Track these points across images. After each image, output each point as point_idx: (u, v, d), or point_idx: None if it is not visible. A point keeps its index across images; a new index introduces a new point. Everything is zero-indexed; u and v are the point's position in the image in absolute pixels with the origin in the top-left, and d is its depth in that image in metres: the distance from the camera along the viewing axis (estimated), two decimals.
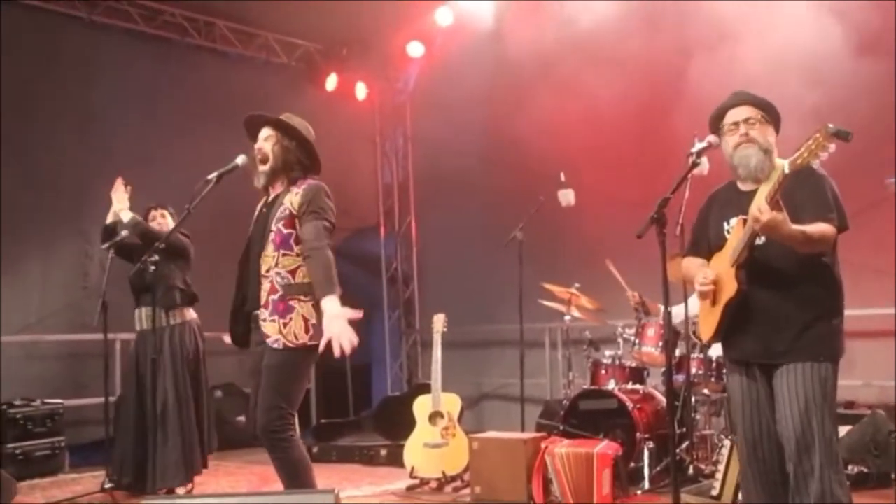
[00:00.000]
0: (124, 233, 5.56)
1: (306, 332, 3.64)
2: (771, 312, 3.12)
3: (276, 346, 3.62)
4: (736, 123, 3.23)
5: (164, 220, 5.75)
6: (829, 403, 3.07)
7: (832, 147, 2.72)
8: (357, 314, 3.49)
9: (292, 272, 3.68)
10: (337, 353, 3.40)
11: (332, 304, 3.48)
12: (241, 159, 4.07)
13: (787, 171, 2.83)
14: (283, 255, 3.69)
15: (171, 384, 5.45)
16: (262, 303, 3.67)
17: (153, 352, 5.28)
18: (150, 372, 5.35)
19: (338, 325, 3.41)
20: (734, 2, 6.64)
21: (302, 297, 3.66)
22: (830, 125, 2.71)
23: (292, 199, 3.74)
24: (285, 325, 3.63)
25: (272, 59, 9.51)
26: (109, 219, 5.69)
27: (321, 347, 3.49)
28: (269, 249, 3.70)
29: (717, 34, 6.63)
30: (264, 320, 3.64)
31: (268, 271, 3.69)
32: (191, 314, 5.71)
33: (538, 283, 6.30)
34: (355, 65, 9.69)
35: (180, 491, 5.41)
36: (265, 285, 3.68)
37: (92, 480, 6.03)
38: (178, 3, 8.58)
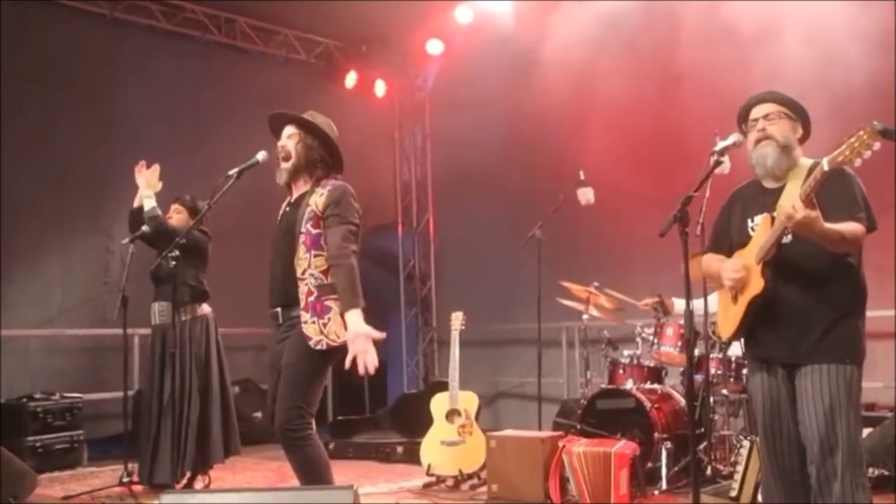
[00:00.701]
0: (144, 228, 5.59)
1: (346, 328, 3.65)
2: (796, 311, 3.09)
3: (319, 347, 3.61)
4: (756, 120, 3.22)
5: (178, 216, 5.74)
6: (855, 405, 3.04)
7: (877, 145, 2.68)
8: (380, 335, 3.51)
9: (324, 272, 3.68)
10: (361, 370, 3.45)
11: (355, 320, 3.51)
12: (261, 155, 4.09)
13: (826, 168, 2.80)
14: (315, 255, 3.69)
15: (171, 380, 5.44)
16: (302, 305, 3.67)
17: (171, 346, 5.33)
18: (160, 366, 5.42)
19: (361, 343, 3.46)
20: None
21: (335, 297, 3.67)
22: (876, 123, 2.67)
23: (317, 199, 3.74)
24: (325, 325, 3.64)
25: (292, 56, 9.54)
26: (136, 202, 5.69)
27: (347, 364, 3.50)
28: (301, 252, 3.70)
29: (739, 30, 6.59)
30: (305, 322, 3.64)
31: (303, 273, 3.69)
32: (203, 309, 5.64)
33: (556, 282, 6.28)
34: (375, 62, 9.70)
35: (198, 486, 5.45)
36: (302, 288, 3.68)
37: (110, 474, 6.07)
38: (198, 0, 8.62)
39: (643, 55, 7.44)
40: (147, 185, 5.60)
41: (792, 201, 2.89)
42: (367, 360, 3.44)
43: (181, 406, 5.41)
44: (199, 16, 8.73)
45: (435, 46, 9.54)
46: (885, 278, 5.24)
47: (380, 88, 9.95)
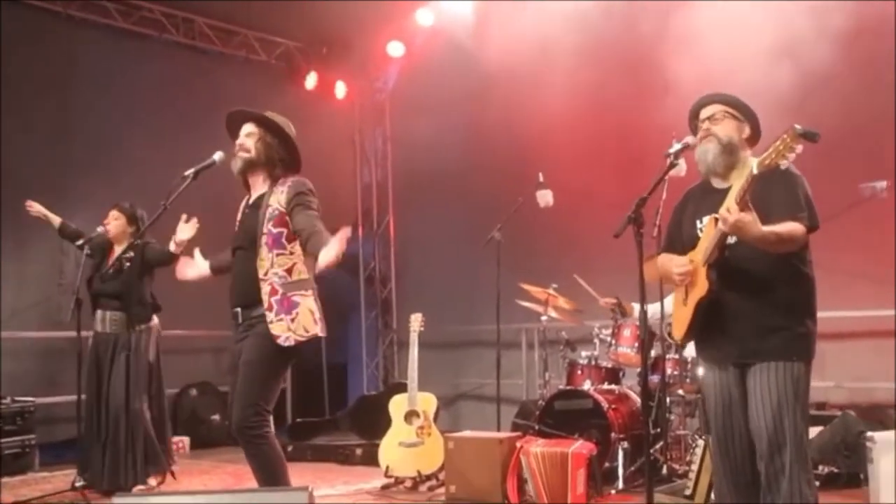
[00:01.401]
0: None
1: (315, 323, 3.70)
2: (742, 312, 3.13)
3: (287, 343, 3.63)
4: (703, 121, 3.29)
5: (116, 223, 5.69)
6: (802, 403, 3.08)
7: (799, 148, 2.74)
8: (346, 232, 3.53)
9: (288, 270, 3.71)
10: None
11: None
12: (218, 156, 4.07)
13: (755, 171, 2.85)
14: (278, 255, 3.72)
15: (123, 388, 5.39)
16: (266, 306, 3.68)
17: (125, 349, 5.29)
18: (109, 373, 5.37)
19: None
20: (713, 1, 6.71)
21: (303, 292, 3.71)
22: (798, 126, 2.73)
23: (279, 198, 3.77)
24: (292, 320, 3.66)
25: (252, 56, 9.48)
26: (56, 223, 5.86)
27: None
28: (263, 252, 3.72)
29: (697, 34, 6.68)
30: (271, 322, 3.65)
31: (265, 274, 3.71)
32: (153, 320, 5.69)
33: (516, 284, 6.31)
34: (335, 64, 9.68)
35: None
36: (265, 288, 3.70)
37: (63, 479, 5.97)
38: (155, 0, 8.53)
39: (603, 59, 7.51)
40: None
41: (727, 204, 2.94)
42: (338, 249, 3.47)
43: (136, 414, 5.38)
44: (156, 15, 8.63)
45: (396, 48, 9.55)
46: (836, 279, 5.35)
47: (340, 90, 9.93)
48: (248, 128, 3.91)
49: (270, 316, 3.65)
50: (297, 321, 3.65)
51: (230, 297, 3.87)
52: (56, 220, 5.93)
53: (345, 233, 3.48)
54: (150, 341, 5.57)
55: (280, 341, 3.63)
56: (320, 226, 3.68)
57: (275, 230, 3.72)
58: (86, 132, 7.93)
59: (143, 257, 5.43)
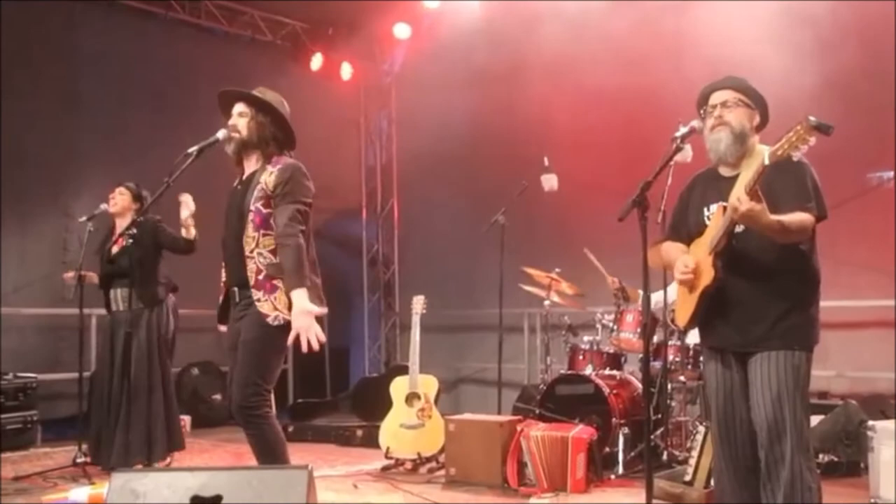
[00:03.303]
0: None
1: (289, 308, 3.64)
2: (747, 301, 3.12)
3: (276, 322, 3.59)
4: (714, 106, 3.24)
5: (122, 198, 5.69)
6: (802, 391, 3.09)
7: (812, 140, 2.72)
8: (322, 310, 3.54)
9: (273, 252, 3.66)
10: (304, 348, 3.46)
11: (299, 299, 3.51)
12: (221, 133, 4.02)
13: (766, 162, 2.83)
14: (264, 234, 3.66)
15: (144, 364, 5.41)
16: (252, 284, 3.65)
17: (128, 327, 5.29)
18: (123, 350, 5.36)
19: (305, 320, 3.48)
20: None
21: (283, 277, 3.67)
22: (812, 118, 2.71)
23: (267, 178, 3.71)
24: (276, 299, 3.63)
25: (257, 36, 9.44)
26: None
27: (289, 341, 3.53)
28: (250, 230, 3.67)
29: (703, 26, 6.66)
30: (258, 300, 3.63)
31: (251, 252, 3.67)
32: (168, 298, 5.70)
33: (519, 268, 6.30)
34: (341, 45, 9.63)
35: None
36: (251, 266, 3.66)
37: (65, 455, 5.99)
38: None
39: (611, 44, 7.48)
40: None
41: (737, 193, 2.92)
42: (311, 335, 3.45)
43: (155, 390, 5.41)
44: None
45: (402, 31, 9.50)
46: (840, 268, 5.34)
47: (346, 72, 9.89)
48: (239, 107, 3.87)
49: (258, 294, 3.63)
50: (280, 300, 3.62)
51: (225, 277, 3.86)
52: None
53: (319, 311, 3.51)
54: (160, 318, 5.55)
55: (269, 321, 3.61)
56: (296, 230, 3.60)
57: (264, 211, 3.67)
58: (89, 110, 7.91)
59: (154, 238, 5.43)
